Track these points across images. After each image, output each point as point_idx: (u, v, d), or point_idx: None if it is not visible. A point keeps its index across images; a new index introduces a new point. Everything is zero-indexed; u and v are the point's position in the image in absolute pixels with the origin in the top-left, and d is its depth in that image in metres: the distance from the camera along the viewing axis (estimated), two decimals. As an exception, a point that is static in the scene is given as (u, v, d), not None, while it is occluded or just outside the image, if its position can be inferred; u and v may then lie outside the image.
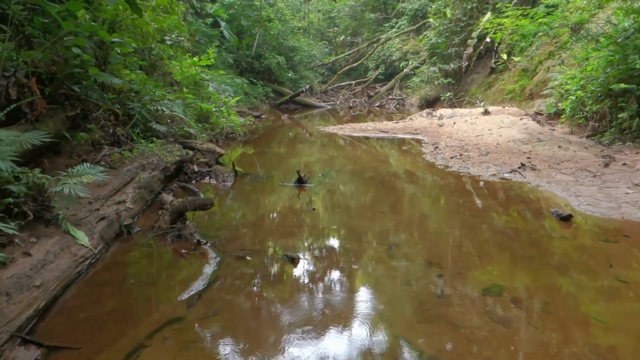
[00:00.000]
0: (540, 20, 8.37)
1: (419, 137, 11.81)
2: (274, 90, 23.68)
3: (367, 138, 11.95)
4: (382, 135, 12.18)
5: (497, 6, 11.04)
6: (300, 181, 6.75)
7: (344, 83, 28.38)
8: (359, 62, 29.11)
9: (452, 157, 8.72)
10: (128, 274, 3.83)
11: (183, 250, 4.23)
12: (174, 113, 8.44)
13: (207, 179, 7.04)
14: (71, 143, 5.63)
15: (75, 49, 5.60)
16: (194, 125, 10.05)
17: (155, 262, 4.06)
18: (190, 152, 7.29)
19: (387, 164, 8.81)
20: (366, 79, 27.56)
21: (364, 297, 3.50)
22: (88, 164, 4.49)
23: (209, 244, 4.36)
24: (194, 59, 11.71)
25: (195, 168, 7.26)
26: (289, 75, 24.72)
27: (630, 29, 8.83)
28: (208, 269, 3.82)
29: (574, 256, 4.25)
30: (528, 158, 8.14)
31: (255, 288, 3.58)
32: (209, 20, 21.03)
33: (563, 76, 11.97)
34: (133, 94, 7.95)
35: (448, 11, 20.36)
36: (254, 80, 22.48)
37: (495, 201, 6.11)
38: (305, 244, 4.66)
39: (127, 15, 7.07)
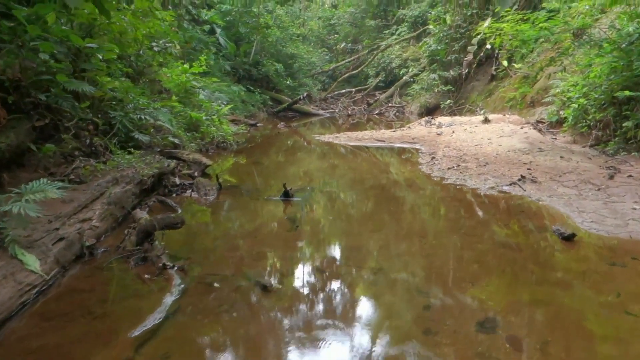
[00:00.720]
0: (541, 25, 8.00)
1: (416, 146, 11.42)
2: (272, 98, 23.37)
3: (362, 147, 11.57)
4: (378, 144, 11.81)
5: (496, 10, 10.75)
6: (287, 195, 6.36)
7: (344, 90, 28.07)
8: (359, 69, 28.83)
9: (449, 168, 8.33)
10: (80, 303, 3.43)
11: (146, 275, 3.84)
12: (159, 122, 8.09)
13: (188, 192, 6.66)
14: (37, 155, 5.27)
15: (43, 54, 5.25)
16: (182, 134, 9.71)
17: (112, 290, 3.68)
18: (172, 164, 6.92)
19: (380, 175, 8.42)
20: (366, 87, 27.26)
21: (341, 334, 3.10)
22: (46, 180, 4.12)
23: (175, 268, 3.97)
24: (185, 65, 11.39)
25: (177, 181, 6.89)
26: (288, 82, 24.40)
27: (634, 34, 8.46)
28: (169, 299, 3.43)
29: (578, 283, 3.84)
30: (529, 169, 7.75)
31: (217, 323, 3.18)
32: (207, 27, 20.78)
33: (565, 83, 11.59)
34: (115, 103, 7.61)
35: (448, 17, 20.05)
36: (252, 88, 22.17)
37: (492, 217, 5.71)
38: (282, 269, 4.26)
39: (104, 19, 6.71)
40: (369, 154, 10.83)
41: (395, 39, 26.95)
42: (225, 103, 13.06)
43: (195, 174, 8.05)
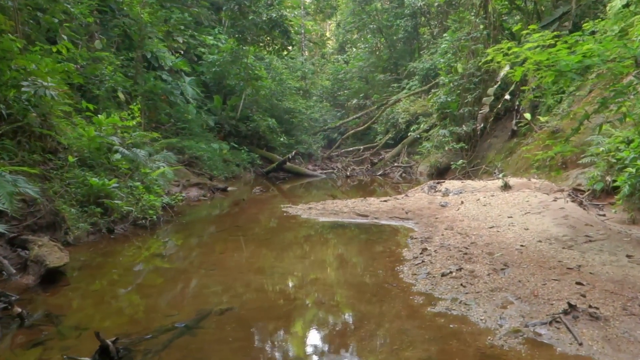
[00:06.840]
0: (586, 47, 4.97)
1: (409, 224, 8.26)
2: (262, 157, 20.65)
3: (335, 226, 8.44)
4: (358, 220, 8.67)
5: (515, 29, 7.93)
6: (106, 354, 3.24)
7: (351, 148, 25.38)
8: (366, 125, 26.17)
9: (443, 275, 5.11)
10: None
11: None
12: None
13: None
14: None
15: None
16: (66, 210, 6.83)
17: None
18: None
19: (324, 289, 5.18)
20: (375, 144, 24.48)
21: None
22: None
23: None
24: (101, 117, 8.65)
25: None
26: (282, 139, 21.69)
27: None
28: None
29: None
30: (578, 284, 4.48)
31: None
32: (192, 78, 18.55)
33: (612, 139, 8.48)
34: None
35: (459, 66, 17.29)
36: (237, 145, 19.53)
37: None
38: None
39: None
40: (337, 240, 7.66)
41: (406, 93, 24.29)
42: (165, 164, 10.16)
43: (31, 281, 5.06)
